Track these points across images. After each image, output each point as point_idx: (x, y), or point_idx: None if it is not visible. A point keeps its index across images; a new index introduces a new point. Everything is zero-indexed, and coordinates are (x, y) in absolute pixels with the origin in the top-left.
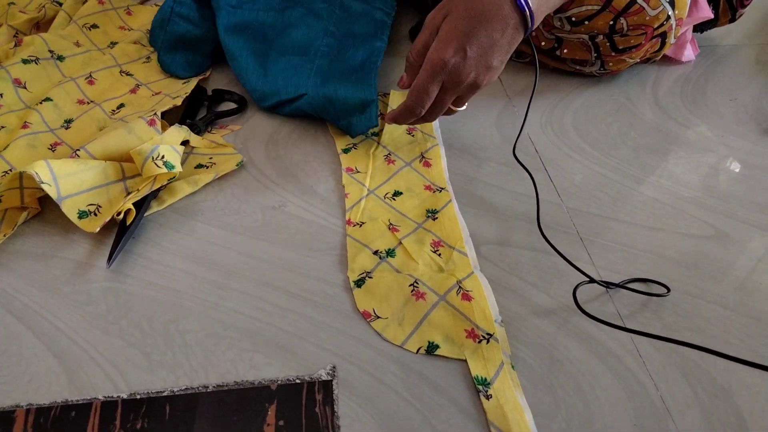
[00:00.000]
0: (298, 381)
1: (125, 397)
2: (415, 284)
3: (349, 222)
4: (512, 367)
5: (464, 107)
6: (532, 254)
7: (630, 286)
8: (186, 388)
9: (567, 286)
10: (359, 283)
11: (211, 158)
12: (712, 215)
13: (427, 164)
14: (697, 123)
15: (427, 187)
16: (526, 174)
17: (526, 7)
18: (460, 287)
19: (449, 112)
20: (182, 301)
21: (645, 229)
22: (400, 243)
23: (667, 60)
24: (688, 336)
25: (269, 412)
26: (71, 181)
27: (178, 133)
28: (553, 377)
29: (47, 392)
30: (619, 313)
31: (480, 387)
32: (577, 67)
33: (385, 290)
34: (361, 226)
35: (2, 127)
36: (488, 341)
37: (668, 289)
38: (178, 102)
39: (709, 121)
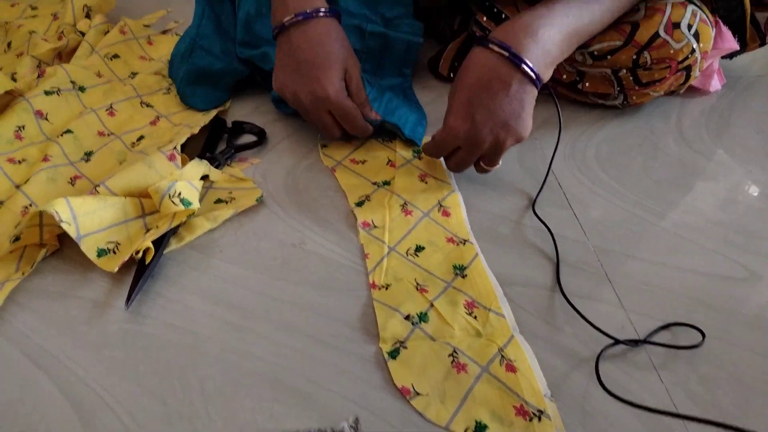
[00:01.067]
0: None
1: None
2: (454, 354)
3: (373, 285)
4: None
5: (498, 165)
6: (559, 296)
7: (660, 336)
8: None
9: (598, 334)
10: (393, 354)
11: (230, 193)
12: (743, 255)
13: (446, 213)
14: (723, 156)
15: (450, 240)
16: (552, 208)
17: (523, 64)
18: (502, 356)
19: (483, 171)
20: (200, 345)
21: (673, 269)
22: (432, 305)
23: (693, 90)
24: (726, 388)
25: None
26: (91, 219)
27: (198, 168)
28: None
29: None
30: (652, 361)
31: None
32: (599, 101)
33: (423, 362)
34: (387, 288)
35: (23, 159)
36: (540, 419)
37: (703, 336)
38: (196, 131)
39: (736, 155)
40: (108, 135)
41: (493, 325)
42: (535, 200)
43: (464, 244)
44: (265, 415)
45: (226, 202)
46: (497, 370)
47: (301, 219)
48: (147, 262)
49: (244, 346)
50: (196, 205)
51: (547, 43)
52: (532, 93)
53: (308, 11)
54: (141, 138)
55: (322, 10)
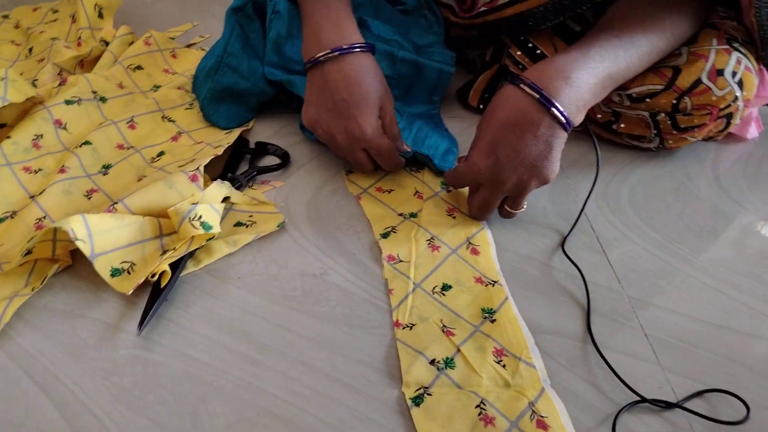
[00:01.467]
0: None
1: None
2: (482, 405)
3: (397, 324)
4: None
5: (523, 208)
6: (592, 348)
7: (699, 402)
8: None
9: (647, 428)
10: (417, 401)
11: (251, 216)
12: None
13: (475, 252)
14: (760, 206)
15: (478, 280)
16: (584, 252)
17: (553, 107)
18: (533, 411)
19: (508, 214)
20: (213, 378)
21: (714, 328)
22: (459, 350)
23: (729, 136)
24: None
25: None
26: (106, 237)
27: (219, 190)
28: None
29: None
30: (692, 427)
31: None
32: (634, 142)
33: (448, 412)
34: (411, 328)
35: (40, 169)
36: None
37: (747, 408)
38: (219, 152)
39: None
40: (127, 148)
41: (523, 376)
42: (564, 239)
43: (493, 285)
44: None
45: (247, 226)
46: (527, 426)
47: (323, 248)
48: (162, 285)
49: (259, 382)
50: (217, 229)
51: (580, 87)
52: (562, 137)
53: (344, 47)
54: (161, 153)
55: (358, 45)
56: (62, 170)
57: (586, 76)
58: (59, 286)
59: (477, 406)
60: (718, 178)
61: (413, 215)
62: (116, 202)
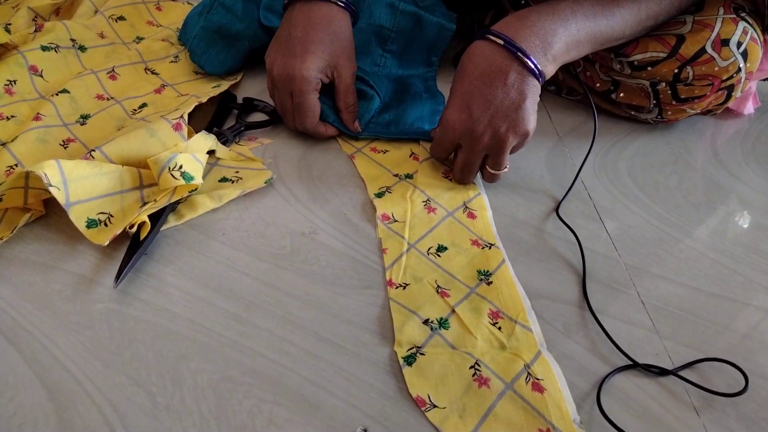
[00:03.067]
0: None
1: None
2: (476, 366)
3: (390, 283)
4: None
5: (506, 169)
6: (587, 314)
7: (693, 372)
8: None
9: (638, 394)
10: (409, 360)
11: (237, 172)
12: None
13: (472, 215)
14: (758, 180)
15: (475, 242)
16: (582, 220)
17: (520, 53)
18: (529, 374)
19: (491, 177)
20: (196, 335)
21: (711, 296)
22: (454, 311)
23: (726, 112)
24: None
25: None
26: (83, 185)
27: (205, 141)
28: None
29: (32, 431)
30: (688, 393)
31: None
32: (632, 113)
33: (441, 371)
34: (405, 287)
35: (12, 116)
36: None
37: (746, 378)
38: (204, 99)
39: None
40: (107, 99)
41: (519, 338)
42: (559, 204)
43: (490, 248)
44: (264, 420)
45: (232, 182)
46: (523, 388)
47: (313, 207)
48: (141, 237)
49: (244, 340)
50: (198, 180)
51: (548, 36)
52: (533, 84)
53: None
54: (143, 106)
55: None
56: (37, 117)
57: (553, 27)
58: (31, 237)
59: (471, 367)
60: (716, 152)
61: (409, 176)
62: (93, 150)
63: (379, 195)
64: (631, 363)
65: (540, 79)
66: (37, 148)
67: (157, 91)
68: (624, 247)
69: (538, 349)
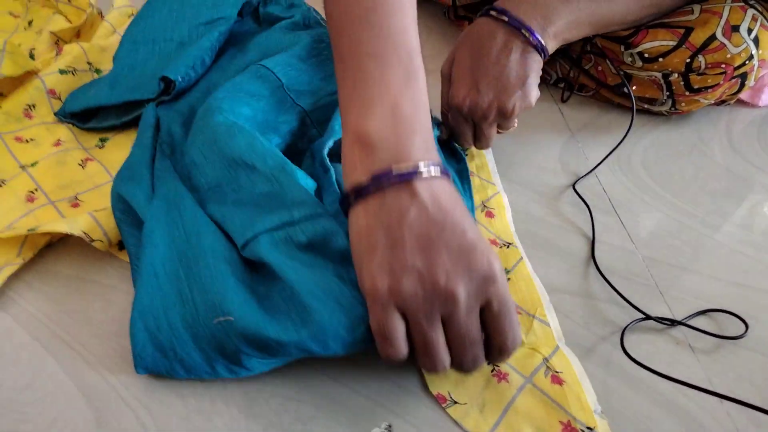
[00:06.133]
0: None
1: None
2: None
3: None
4: None
5: (515, 125)
6: (605, 306)
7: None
8: None
9: (649, 345)
10: None
11: None
12: None
13: (490, 215)
14: None
15: (493, 242)
16: (596, 213)
17: (522, 28)
18: (547, 367)
19: (499, 132)
20: None
21: (732, 285)
22: None
23: (740, 104)
24: None
25: None
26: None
27: None
28: None
29: None
30: (691, 346)
31: None
32: (645, 106)
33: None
34: None
35: (32, 139)
36: None
37: (746, 326)
38: None
39: None
40: None
41: (537, 334)
42: (576, 181)
43: (508, 247)
44: (290, 417)
45: None
46: (542, 381)
47: None
48: None
49: None
50: None
51: (549, 12)
52: (536, 59)
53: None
54: None
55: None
56: (57, 143)
57: (555, 4)
58: (63, 250)
59: (489, 364)
60: (732, 141)
61: None
62: None
63: None
64: (643, 316)
65: (543, 55)
66: (56, 171)
67: None
68: (640, 239)
69: (557, 344)
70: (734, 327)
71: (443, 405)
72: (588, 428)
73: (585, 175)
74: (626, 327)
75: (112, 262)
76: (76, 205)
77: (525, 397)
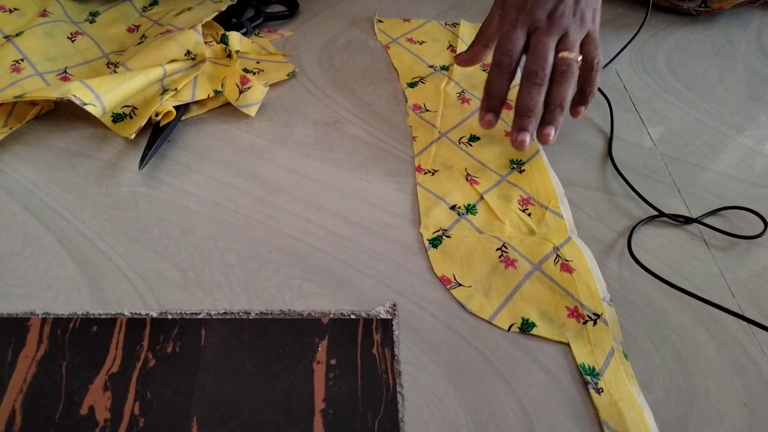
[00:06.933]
0: (353, 317)
1: (155, 315)
2: (503, 249)
3: (419, 169)
4: (625, 356)
5: (596, 86)
6: (621, 200)
7: (717, 222)
8: (225, 312)
9: (665, 240)
10: (435, 242)
11: (258, 63)
12: None
13: (508, 106)
14: None
15: (508, 133)
16: (617, 111)
17: None
18: (558, 256)
19: (579, 105)
20: (223, 216)
21: (750, 185)
22: (482, 198)
23: None
24: None
25: (320, 348)
26: (115, 95)
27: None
28: (648, 340)
29: (67, 302)
30: (707, 242)
31: (588, 378)
32: (675, 1)
33: (467, 253)
34: (433, 174)
35: (16, 9)
36: (595, 323)
37: (765, 224)
38: (222, 7)
39: None
40: None
41: (549, 224)
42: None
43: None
44: (293, 293)
45: (254, 73)
46: (551, 269)
47: (337, 98)
48: (162, 124)
49: (272, 222)
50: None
51: None
52: None
53: None
54: (154, 3)
55: None
56: (43, 14)
57: None
58: (55, 125)
59: (498, 249)
60: (762, 45)
61: (444, 68)
62: (117, 66)
63: (412, 85)
64: (657, 213)
65: None
66: (44, 43)
67: None
68: (660, 138)
69: (569, 234)
70: (752, 227)
71: (448, 286)
72: (595, 314)
73: (603, 67)
74: (637, 224)
75: (107, 137)
76: (65, 79)
77: (532, 283)
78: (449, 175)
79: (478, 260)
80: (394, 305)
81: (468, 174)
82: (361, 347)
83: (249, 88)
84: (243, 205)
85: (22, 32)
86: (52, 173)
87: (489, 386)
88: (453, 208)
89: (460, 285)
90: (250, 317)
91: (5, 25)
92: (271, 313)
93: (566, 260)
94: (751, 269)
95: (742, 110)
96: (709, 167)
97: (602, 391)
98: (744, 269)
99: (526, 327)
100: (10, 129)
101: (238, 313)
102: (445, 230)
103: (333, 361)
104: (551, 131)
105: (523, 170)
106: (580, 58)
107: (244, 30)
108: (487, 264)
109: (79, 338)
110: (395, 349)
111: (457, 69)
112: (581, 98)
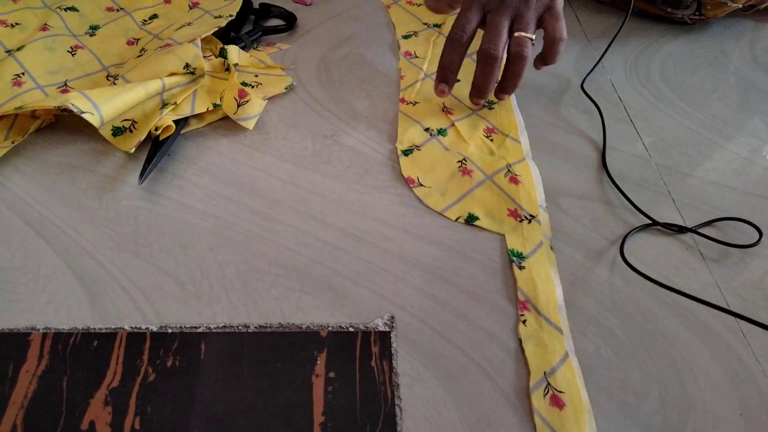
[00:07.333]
0: (351, 329)
1: (155, 329)
2: (463, 161)
3: (402, 100)
4: (551, 248)
5: (558, 56)
6: (619, 211)
7: (712, 231)
8: (224, 326)
9: (659, 249)
10: (406, 152)
11: (256, 76)
12: None
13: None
14: None
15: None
16: (611, 121)
17: None
18: (509, 171)
19: (541, 62)
20: (221, 229)
21: (743, 194)
22: (453, 124)
23: (766, 13)
24: None
25: (318, 361)
26: (113, 105)
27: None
28: (644, 351)
29: (67, 316)
30: (701, 253)
31: (514, 258)
32: (669, 10)
33: (432, 162)
34: (414, 104)
35: (17, 23)
36: (530, 222)
37: (760, 234)
38: (222, 23)
39: None
40: (117, 10)
41: (507, 148)
42: (583, 81)
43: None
44: (292, 306)
45: (252, 87)
46: (501, 180)
47: (334, 111)
48: (161, 138)
49: (270, 235)
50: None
51: None
52: None
53: None
54: (154, 17)
55: None
56: (44, 28)
57: None
58: (53, 139)
59: (458, 161)
60: (756, 56)
61: (437, 25)
62: (116, 78)
63: (406, 37)
64: (651, 222)
65: None
66: (44, 56)
67: (167, 0)
68: (655, 148)
69: (524, 156)
70: (746, 237)
71: (411, 185)
72: (531, 216)
73: (591, 71)
74: (629, 232)
75: (106, 151)
76: (66, 92)
77: (483, 189)
78: (428, 107)
79: (441, 168)
80: (392, 317)
81: (444, 107)
82: (360, 360)
83: (247, 101)
84: (241, 218)
85: (23, 46)
86: (52, 187)
87: (487, 397)
88: (426, 130)
89: (421, 185)
90: (249, 330)
91: (7, 40)
92: (270, 326)
93: (515, 174)
94: (746, 278)
95: (736, 120)
96: (703, 176)
97: (524, 268)
98: (738, 279)
99: (470, 219)
100: (12, 143)
101: (237, 326)
102: (417, 146)
103: (332, 374)
104: (505, 96)
105: (493, 108)
106: (534, 36)
107: (243, 44)
108: (448, 172)
109: (80, 353)
110: (393, 361)
111: (448, 25)
112: (541, 62)
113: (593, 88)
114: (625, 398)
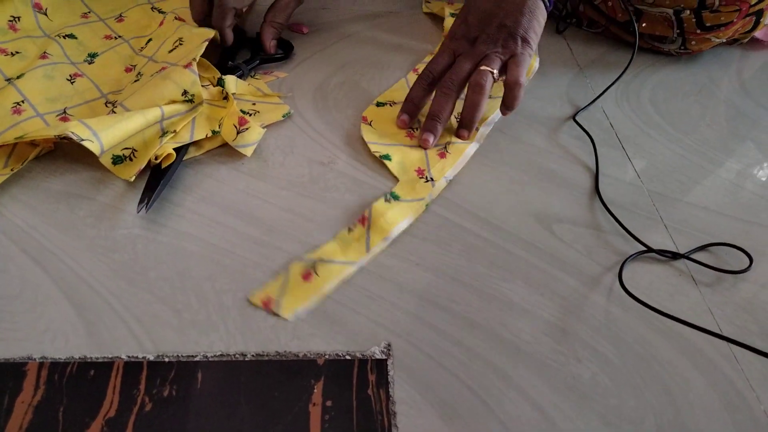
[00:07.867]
0: (348, 357)
1: (152, 358)
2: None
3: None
4: (426, 207)
5: (516, 101)
6: (612, 238)
7: (704, 257)
8: (221, 355)
9: (653, 276)
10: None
11: (254, 104)
12: None
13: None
14: None
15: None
16: (603, 148)
17: None
18: (446, 147)
19: (503, 107)
20: (219, 257)
21: (734, 220)
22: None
23: (754, 42)
24: None
25: (315, 390)
26: (112, 133)
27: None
28: (639, 377)
29: (64, 346)
30: (694, 279)
31: (388, 195)
32: (655, 44)
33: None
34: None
35: (17, 52)
36: (427, 181)
37: (750, 259)
38: (210, 34)
39: None
40: (115, 38)
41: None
42: (576, 113)
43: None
44: (288, 334)
45: (250, 115)
46: (431, 151)
47: (330, 138)
48: (163, 167)
49: (268, 262)
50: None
51: None
52: (540, 8)
53: None
54: (149, 41)
55: None
56: (44, 56)
57: None
58: (52, 168)
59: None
60: (743, 83)
61: None
62: (114, 105)
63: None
64: (645, 248)
65: (547, 5)
66: (43, 85)
67: (160, 24)
68: (646, 174)
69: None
70: (737, 262)
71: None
72: (432, 179)
73: (586, 107)
74: (626, 259)
75: (105, 180)
76: (65, 119)
77: (412, 149)
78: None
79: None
80: (389, 345)
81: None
82: (357, 388)
83: (247, 128)
84: (239, 245)
85: (23, 74)
86: (50, 216)
87: (483, 425)
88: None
89: (370, 125)
90: (246, 359)
91: (7, 68)
92: (267, 355)
93: (446, 151)
94: (737, 304)
95: (725, 146)
96: (693, 202)
97: (389, 201)
98: (730, 304)
99: (385, 157)
100: (12, 170)
101: (234, 354)
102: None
103: (329, 403)
104: (465, 134)
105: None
106: (501, 78)
107: (240, 72)
108: (399, 131)
109: (76, 382)
110: (390, 389)
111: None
112: (502, 110)
113: (585, 115)
114: (620, 425)
